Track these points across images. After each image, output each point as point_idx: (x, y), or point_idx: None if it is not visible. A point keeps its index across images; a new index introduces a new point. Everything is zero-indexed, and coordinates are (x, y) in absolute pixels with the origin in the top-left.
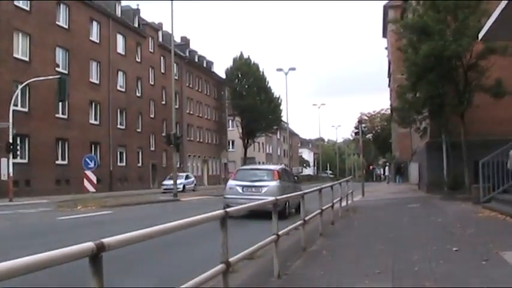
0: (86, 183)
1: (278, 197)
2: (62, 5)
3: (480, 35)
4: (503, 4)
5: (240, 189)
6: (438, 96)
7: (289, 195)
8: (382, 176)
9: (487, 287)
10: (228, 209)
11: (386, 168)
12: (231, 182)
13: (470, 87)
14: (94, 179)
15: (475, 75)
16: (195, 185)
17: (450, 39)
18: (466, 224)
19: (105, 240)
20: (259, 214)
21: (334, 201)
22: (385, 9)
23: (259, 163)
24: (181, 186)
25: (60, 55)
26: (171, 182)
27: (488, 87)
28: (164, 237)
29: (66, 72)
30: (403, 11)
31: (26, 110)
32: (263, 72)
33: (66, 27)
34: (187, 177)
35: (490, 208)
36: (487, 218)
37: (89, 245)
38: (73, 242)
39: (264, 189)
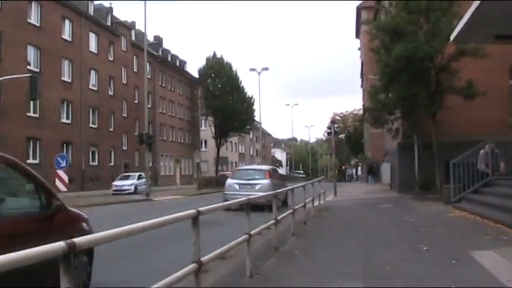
0: (58, 182)
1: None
2: (33, 3)
3: (452, 37)
4: (474, 6)
5: (237, 187)
6: (410, 97)
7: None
8: (354, 176)
9: (457, 286)
10: (200, 209)
11: (359, 168)
12: (230, 181)
13: (441, 88)
14: (66, 178)
15: (446, 77)
16: (149, 186)
17: (422, 40)
18: (437, 224)
19: (76, 239)
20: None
21: (306, 200)
22: (358, 10)
23: (231, 163)
24: (132, 188)
25: (31, 53)
26: (124, 182)
27: (460, 89)
28: (136, 236)
29: (37, 70)
30: (375, 12)
31: None
32: (236, 72)
33: (38, 25)
34: (139, 177)
35: (460, 208)
36: (457, 217)
37: (60, 244)
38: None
39: (258, 186)
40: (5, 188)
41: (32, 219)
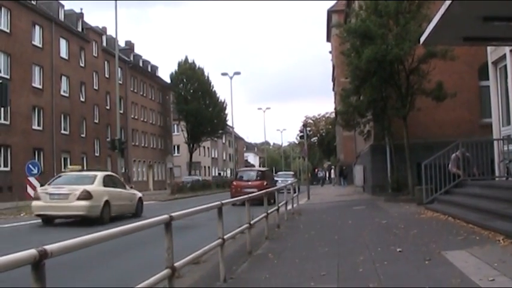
0: (29, 189)
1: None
2: (3, 9)
3: (421, 39)
4: (443, 9)
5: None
6: (381, 99)
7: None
8: (326, 179)
9: (429, 286)
10: (172, 214)
11: (332, 171)
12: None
13: (412, 90)
14: (37, 185)
15: (416, 79)
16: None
17: (392, 43)
18: (410, 225)
19: (48, 247)
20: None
21: (280, 204)
22: (329, 13)
23: (204, 167)
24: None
25: (1, 60)
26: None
27: (430, 91)
28: (109, 242)
29: (7, 77)
30: (346, 16)
31: None
32: (208, 77)
33: (8, 31)
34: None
35: (432, 209)
36: (429, 218)
37: (32, 252)
38: (16, 249)
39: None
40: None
41: None
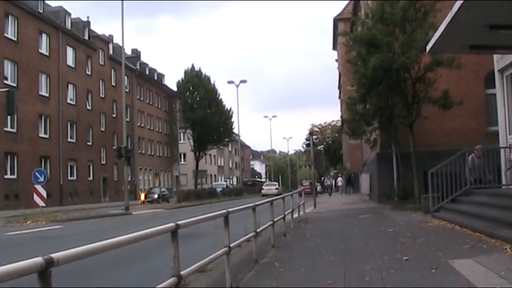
0: (36, 197)
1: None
2: (10, 17)
3: (428, 48)
4: (449, 17)
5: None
6: (387, 107)
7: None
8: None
9: None
10: (179, 222)
11: (339, 179)
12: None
13: (418, 98)
14: (44, 193)
15: (423, 87)
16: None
17: (399, 51)
18: (416, 234)
19: (54, 255)
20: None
21: (286, 212)
22: (335, 22)
23: (211, 176)
24: None
25: (8, 68)
26: None
27: (436, 99)
28: (116, 250)
29: (14, 85)
30: (352, 24)
31: None
32: (214, 85)
33: (15, 39)
34: None
35: (439, 217)
36: (436, 227)
37: (38, 260)
38: (22, 257)
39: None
40: None
41: None
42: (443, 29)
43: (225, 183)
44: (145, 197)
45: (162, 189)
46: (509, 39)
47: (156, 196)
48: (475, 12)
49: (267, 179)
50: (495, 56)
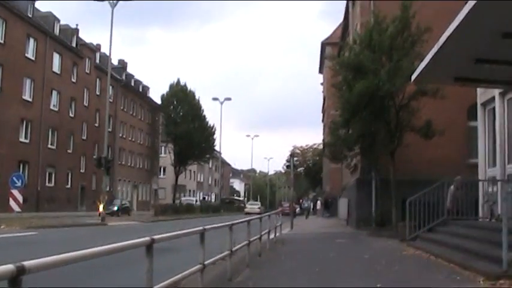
0: (12, 202)
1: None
2: None
3: (413, 77)
4: (435, 48)
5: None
6: (370, 134)
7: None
8: (311, 210)
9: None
10: (154, 236)
11: (318, 202)
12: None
13: (401, 126)
14: (20, 198)
15: (406, 116)
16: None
17: (384, 79)
18: (391, 261)
19: (27, 263)
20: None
21: (262, 233)
22: (323, 45)
23: (189, 191)
24: None
25: None
26: None
27: (419, 128)
28: (89, 262)
29: None
30: (340, 49)
31: None
32: (199, 100)
33: (2, 41)
34: None
35: (415, 246)
36: (411, 256)
37: (9, 267)
38: None
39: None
40: None
41: None
42: (429, 60)
43: (194, 198)
44: (104, 208)
45: (123, 202)
46: (493, 74)
47: (115, 208)
48: (462, 44)
49: (245, 198)
50: (478, 90)
